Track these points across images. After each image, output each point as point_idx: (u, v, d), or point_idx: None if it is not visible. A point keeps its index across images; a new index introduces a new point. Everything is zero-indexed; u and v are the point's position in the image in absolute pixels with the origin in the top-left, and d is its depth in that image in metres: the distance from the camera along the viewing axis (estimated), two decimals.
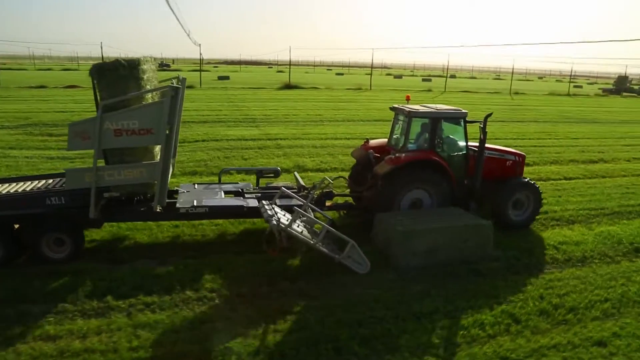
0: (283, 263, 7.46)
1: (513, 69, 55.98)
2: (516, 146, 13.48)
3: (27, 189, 7.77)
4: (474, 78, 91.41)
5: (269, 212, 7.36)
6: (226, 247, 8.18)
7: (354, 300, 6.45)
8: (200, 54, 48.96)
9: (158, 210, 7.46)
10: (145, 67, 7.42)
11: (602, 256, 8.26)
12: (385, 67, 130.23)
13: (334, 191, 9.31)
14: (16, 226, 7.37)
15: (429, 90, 46.48)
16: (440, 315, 6.13)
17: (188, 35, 44.51)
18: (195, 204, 7.94)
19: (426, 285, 6.92)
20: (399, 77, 77.99)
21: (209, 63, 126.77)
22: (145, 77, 7.34)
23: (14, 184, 8.12)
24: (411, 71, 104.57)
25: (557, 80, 61.83)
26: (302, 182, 9.32)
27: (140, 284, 6.62)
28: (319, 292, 6.66)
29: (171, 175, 8.92)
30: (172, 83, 7.44)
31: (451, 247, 7.55)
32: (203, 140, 17.47)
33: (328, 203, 8.96)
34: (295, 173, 10.60)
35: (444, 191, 8.60)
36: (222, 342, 5.45)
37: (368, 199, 8.72)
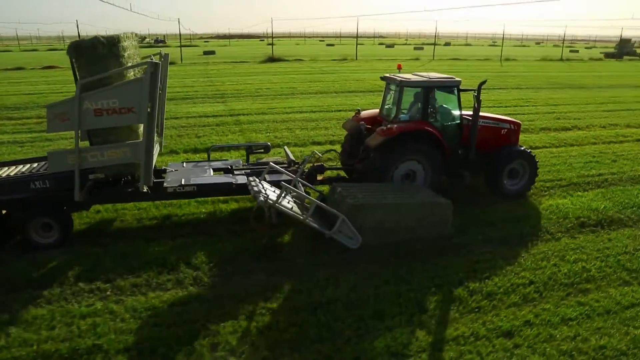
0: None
1: (503, 34, 54.22)
2: None
3: (12, 173, 7.54)
4: (469, 45, 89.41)
5: (256, 188, 7.14)
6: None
7: (256, 289, 5.95)
8: (180, 29, 47.49)
9: (145, 190, 7.31)
10: (125, 44, 7.13)
11: (542, 233, 7.69)
12: (381, 36, 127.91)
13: (324, 164, 9.05)
14: (3, 212, 7.21)
15: (417, 59, 45.30)
16: (339, 305, 5.61)
17: (131, 9, 42.84)
18: (183, 182, 7.78)
19: (337, 269, 6.40)
20: (391, 46, 76.48)
21: (201, 38, 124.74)
22: (126, 54, 7.06)
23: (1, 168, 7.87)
24: (405, 40, 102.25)
25: (554, 46, 59.81)
26: (292, 157, 9.05)
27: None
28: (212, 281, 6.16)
29: (159, 154, 8.79)
30: (151, 59, 7.12)
31: (403, 226, 7.09)
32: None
33: (319, 177, 8.71)
34: (285, 147, 10.22)
35: (437, 162, 8.35)
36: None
37: (360, 172, 8.52)
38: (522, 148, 9.20)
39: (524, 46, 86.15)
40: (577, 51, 65.53)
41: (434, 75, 8.87)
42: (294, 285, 6.06)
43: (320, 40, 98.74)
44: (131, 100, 6.63)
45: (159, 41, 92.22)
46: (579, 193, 9.56)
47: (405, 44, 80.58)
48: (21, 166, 7.99)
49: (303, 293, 5.88)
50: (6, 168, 7.91)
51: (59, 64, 38.05)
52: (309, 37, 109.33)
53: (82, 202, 7.15)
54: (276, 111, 18.09)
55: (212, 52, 56.23)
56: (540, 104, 20.65)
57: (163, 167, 8.87)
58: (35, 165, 8.01)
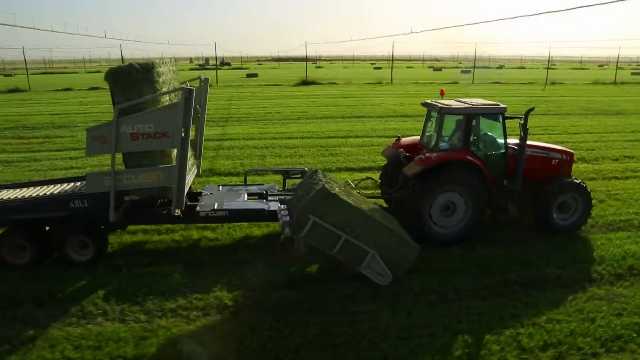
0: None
1: (549, 56, 50.97)
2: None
3: (55, 192, 7.93)
4: (522, 68, 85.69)
5: (285, 218, 6.90)
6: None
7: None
8: (216, 53, 48.90)
9: (177, 214, 7.39)
10: (161, 69, 7.35)
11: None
12: (436, 59, 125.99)
13: (360, 192, 8.73)
14: (47, 228, 7.58)
15: (455, 83, 43.72)
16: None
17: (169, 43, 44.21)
18: (215, 207, 7.90)
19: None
20: (439, 69, 74.60)
21: (257, 61, 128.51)
22: (160, 79, 7.26)
23: (45, 186, 8.33)
24: (458, 62, 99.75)
25: (618, 68, 55.88)
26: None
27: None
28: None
29: (196, 176, 8.99)
30: (187, 84, 7.45)
31: (360, 242, 6.43)
32: None
33: None
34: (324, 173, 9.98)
35: (480, 194, 7.89)
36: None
37: (398, 201, 8.28)
38: (574, 179, 8.59)
39: (583, 69, 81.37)
40: None
41: (478, 101, 8.49)
42: None
43: (372, 64, 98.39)
44: (165, 125, 6.74)
45: (224, 63, 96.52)
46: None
47: (456, 67, 78.44)
48: (65, 185, 8.37)
49: None
50: (52, 186, 8.34)
51: (103, 85, 40.07)
52: (358, 61, 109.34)
53: (118, 222, 7.44)
54: (266, 136, 17.79)
55: (255, 75, 57.36)
56: (557, 132, 18.99)
57: (199, 190, 9.00)
58: (78, 184, 8.30)
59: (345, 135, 17.68)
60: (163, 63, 7.59)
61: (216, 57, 50.65)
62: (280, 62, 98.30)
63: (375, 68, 78.61)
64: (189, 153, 8.19)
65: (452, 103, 8.44)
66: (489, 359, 5.11)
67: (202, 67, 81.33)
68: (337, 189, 6.75)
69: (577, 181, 8.54)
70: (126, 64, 6.96)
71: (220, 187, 9.23)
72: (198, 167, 9.07)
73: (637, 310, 6.02)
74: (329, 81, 44.93)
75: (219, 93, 35.23)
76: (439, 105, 8.29)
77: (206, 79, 8.60)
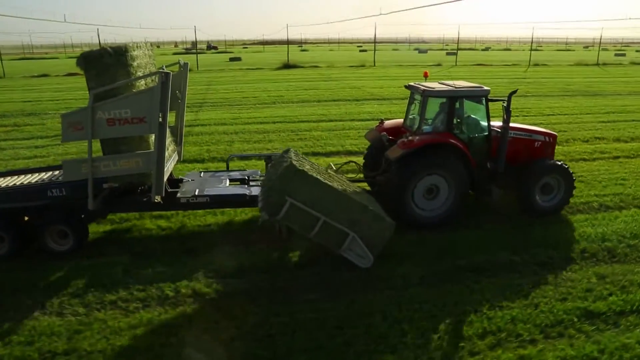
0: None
1: (532, 38, 50.82)
2: None
3: (33, 181, 7.75)
4: (508, 50, 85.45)
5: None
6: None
7: None
8: (195, 37, 48.01)
9: (157, 200, 7.26)
10: (135, 53, 7.17)
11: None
12: (423, 41, 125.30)
13: (343, 176, 8.55)
14: (26, 218, 7.42)
15: (439, 65, 43.49)
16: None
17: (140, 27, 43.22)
18: (196, 193, 7.78)
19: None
20: (424, 51, 74.20)
21: (243, 44, 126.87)
22: (135, 63, 7.10)
23: (22, 176, 8.12)
24: (445, 44, 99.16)
25: (602, 49, 55.64)
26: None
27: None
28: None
29: (177, 162, 8.92)
30: (163, 68, 7.30)
31: (332, 220, 6.25)
32: None
33: None
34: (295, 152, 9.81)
35: (463, 176, 7.85)
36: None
37: (381, 185, 8.22)
38: (557, 161, 8.54)
39: (568, 50, 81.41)
40: (624, 54, 61.03)
41: (461, 84, 8.38)
42: None
43: (358, 46, 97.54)
44: (142, 110, 6.60)
45: (211, 47, 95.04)
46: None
47: (441, 50, 78.02)
48: (43, 174, 8.15)
49: None
50: (29, 175, 8.13)
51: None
52: (345, 43, 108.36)
53: (98, 210, 7.32)
54: (234, 122, 17.49)
55: (238, 59, 56.59)
56: (533, 113, 18.95)
57: (180, 177, 8.88)
58: (56, 173, 8.07)
59: (317, 120, 17.47)
60: (137, 47, 7.41)
61: (196, 41, 49.84)
62: (265, 46, 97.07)
63: (360, 51, 78.07)
64: (169, 139, 8.16)
65: (435, 85, 8.33)
66: (425, 347, 5.02)
67: (188, 51, 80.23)
68: (307, 166, 6.61)
69: (560, 163, 8.51)
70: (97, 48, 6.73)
71: (202, 173, 9.15)
72: (179, 154, 8.93)
73: (582, 294, 5.97)
74: (311, 64, 44.48)
75: (199, 78, 34.67)
76: (422, 87, 8.19)
77: (185, 64, 8.43)
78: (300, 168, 6.25)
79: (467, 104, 8.45)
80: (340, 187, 6.60)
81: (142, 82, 7.32)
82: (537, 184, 8.32)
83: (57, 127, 17.68)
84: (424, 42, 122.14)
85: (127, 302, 5.99)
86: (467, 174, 7.89)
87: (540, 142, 8.71)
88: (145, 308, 5.89)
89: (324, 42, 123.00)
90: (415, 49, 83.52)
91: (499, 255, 7.02)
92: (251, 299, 5.97)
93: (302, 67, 42.50)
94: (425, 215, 7.96)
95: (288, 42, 48.66)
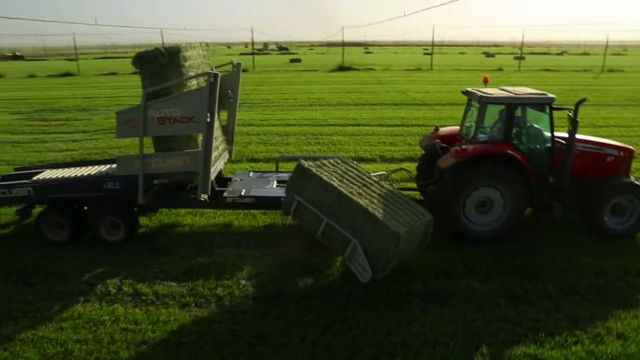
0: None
1: (607, 41, 46.77)
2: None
3: (93, 173, 8.28)
4: (586, 54, 79.78)
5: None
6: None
7: None
8: (252, 38, 48.97)
9: (203, 199, 7.38)
10: (187, 53, 7.37)
11: None
12: (495, 44, 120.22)
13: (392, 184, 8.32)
14: (86, 208, 7.93)
15: (500, 69, 41.41)
16: None
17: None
18: (242, 193, 7.91)
19: None
20: (491, 55, 71.19)
21: (311, 46, 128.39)
22: (187, 64, 7.29)
23: (84, 167, 8.72)
24: (518, 48, 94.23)
25: None
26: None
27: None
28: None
29: (229, 161, 9.05)
30: (213, 69, 7.53)
31: (335, 223, 6.00)
32: None
33: None
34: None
35: (520, 190, 7.31)
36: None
37: (432, 195, 7.89)
38: (635, 180, 7.74)
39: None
40: None
41: (523, 90, 7.84)
42: None
43: (425, 49, 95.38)
44: (191, 109, 6.78)
45: (282, 48, 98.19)
46: None
47: (511, 54, 74.28)
48: (102, 166, 8.65)
49: None
50: (91, 167, 8.67)
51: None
52: (412, 46, 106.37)
53: (148, 204, 7.65)
54: (266, 123, 17.58)
55: (298, 60, 57.33)
56: (582, 124, 17.34)
57: (229, 176, 9.04)
58: (114, 166, 8.38)
59: (345, 124, 17.17)
60: (191, 47, 7.56)
61: (252, 43, 50.72)
62: (330, 47, 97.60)
63: (425, 54, 76.12)
64: (220, 138, 8.33)
65: (494, 92, 7.81)
66: None
67: (260, 51, 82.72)
68: (325, 171, 6.48)
69: (637, 182, 7.63)
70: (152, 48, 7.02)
71: (251, 173, 9.24)
72: (230, 153, 9.04)
73: (530, 336, 5.25)
74: (367, 67, 44.00)
75: (251, 78, 35.42)
76: (479, 93, 7.71)
77: (238, 64, 8.50)
78: (307, 167, 6.22)
79: (530, 113, 7.82)
80: (353, 192, 6.16)
81: (194, 82, 7.42)
82: (606, 204, 7.56)
83: (101, 123, 18.78)
84: (495, 45, 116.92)
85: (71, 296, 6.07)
86: (525, 188, 7.28)
87: (613, 157, 7.86)
88: (84, 303, 5.93)
89: (392, 45, 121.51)
90: (483, 53, 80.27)
91: (460, 283, 6.34)
92: (184, 304, 5.86)
93: (356, 69, 42.15)
94: (476, 230, 7.48)
95: (343, 44, 48.48)
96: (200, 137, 7.23)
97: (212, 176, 7.52)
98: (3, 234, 8.22)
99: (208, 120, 6.79)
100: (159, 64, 6.83)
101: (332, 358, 4.89)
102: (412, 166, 9.96)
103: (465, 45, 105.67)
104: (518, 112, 7.61)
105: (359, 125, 16.98)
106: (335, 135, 15.27)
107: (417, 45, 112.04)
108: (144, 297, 6.05)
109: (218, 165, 7.98)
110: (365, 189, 6.50)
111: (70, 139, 16.19)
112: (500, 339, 5.20)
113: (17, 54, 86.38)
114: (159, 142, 7.30)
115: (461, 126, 8.61)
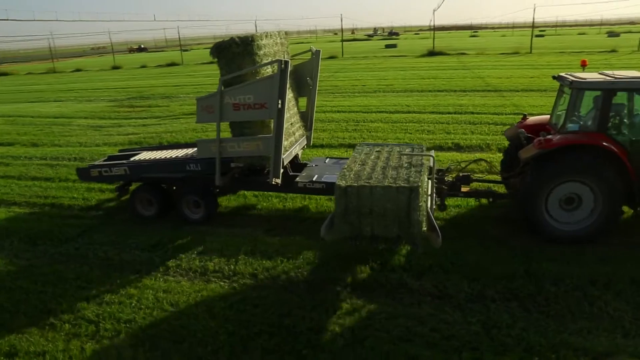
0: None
1: None
2: None
3: (180, 155, 9.03)
4: None
5: None
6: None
7: None
8: (342, 25, 48.87)
9: (275, 183, 7.60)
10: (262, 42, 7.60)
11: None
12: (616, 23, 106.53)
13: (471, 175, 8.13)
14: (174, 188, 8.69)
15: (613, 51, 36.83)
16: None
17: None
18: (314, 179, 8.04)
19: None
20: (616, 35, 63.33)
21: (419, 30, 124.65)
22: (261, 52, 7.49)
23: (176, 150, 9.51)
24: None
25: None
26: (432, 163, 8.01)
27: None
28: None
29: (305, 148, 9.34)
30: (283, 57, 7.91)
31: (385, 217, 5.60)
32: None
33: (464, 189, 7.81)
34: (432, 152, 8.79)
35: (615, 187, 6.50)
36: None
37: (514, 188, 7.46)
38: None
39: None
40: None
41: (627, 74, 6.89)
42: None
43: (541, 31, 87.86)
44: (264, 96, 7.10)
45: (393, 33, 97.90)
46: None
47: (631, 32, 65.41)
48: (191, 149, 9.17)
49: None
50: (180, 150, 9.44)
51: None
52: (523, 28, 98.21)
53: (227, 186, 8.22)
54: (318, 110, 17.44)
55: (394, 46, 56.27)
56: None
57: (305, 162, 9.17)
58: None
59: (394, 111, 16.65)
60: (266, 36, 7.79)
61: (342, 29, 50.66)
62: (435, 32, 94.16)
63: (537, 36, 70.13)
64: (298, 124, 8.57)
65: (590, 76, 6.98)
66: None
67: (369, 37, 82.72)
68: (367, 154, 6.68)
69: None
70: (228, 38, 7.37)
71: (327, 159, 9.38)
72: (308, 139, 9.17)
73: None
74: (459, 51, 41.84)
75: (334, 65, 35.63)
76: (571, 78, 6.97)
77: (318, 51, 8.56)
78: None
79: (638, 101, 6.85)
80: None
81: (269, 69, 7.54)
82: None
83: (175, 109, 20.20)
84: (622, 23, 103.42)
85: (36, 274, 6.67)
86: (622, 185, 6.45)
87: None
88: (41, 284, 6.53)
89: (503, 27, 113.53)
90: (607, 32, 71.67)
91: (392, 276, 6.01)
92: (129, 296, 6.29)
93: (447, 54, 40.28)
94: (559, 228, 6.78)
95: (434, 29, 46.46)
96: (272, 123, 7.41)
97: (286, 161, 7.74)
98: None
99: (279, 106, 6.97)
100: (233, 53, 7.13)
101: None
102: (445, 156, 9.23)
103: (591, 25, 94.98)
104: (618, 99, 6.64)
105: (409, 112, 16.33)
106: (377, 122, 14.93)
107: (546, 26, 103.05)
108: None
109: (293, 150, 8.11)
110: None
111: (139, 124, 17.70)
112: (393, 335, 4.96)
113: (142, 46, 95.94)
114: (234, 128, 7.69)
115: (551, 115, 7.84)
